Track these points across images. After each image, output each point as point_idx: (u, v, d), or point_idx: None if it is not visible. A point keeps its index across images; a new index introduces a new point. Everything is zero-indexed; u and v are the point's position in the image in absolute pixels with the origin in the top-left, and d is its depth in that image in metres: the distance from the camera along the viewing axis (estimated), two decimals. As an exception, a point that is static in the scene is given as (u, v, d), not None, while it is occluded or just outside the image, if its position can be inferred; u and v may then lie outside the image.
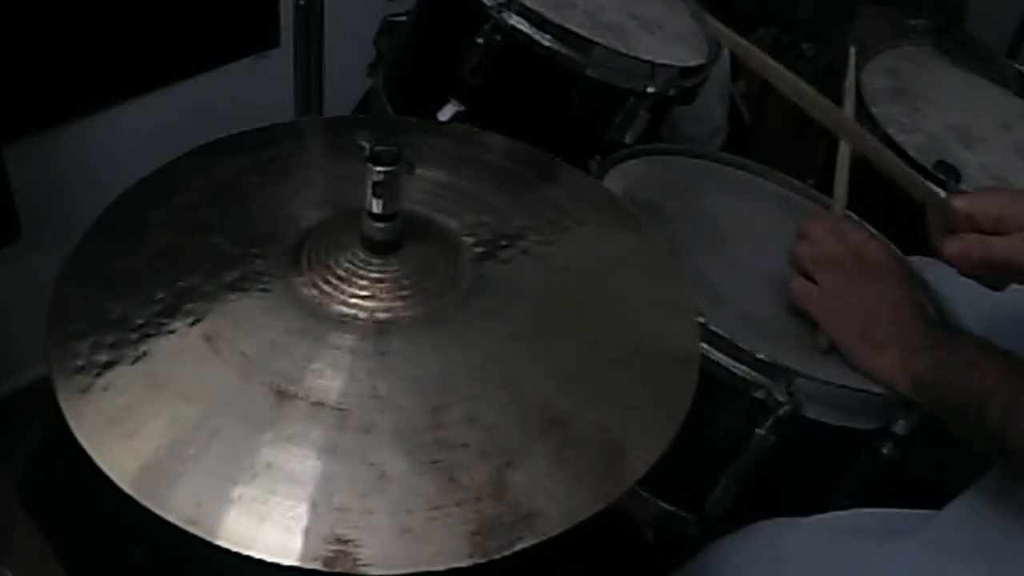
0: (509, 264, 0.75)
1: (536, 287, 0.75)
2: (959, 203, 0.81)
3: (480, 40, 1.08)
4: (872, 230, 1.08)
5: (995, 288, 0.82)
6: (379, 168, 0.68)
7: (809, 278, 0.91)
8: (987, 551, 0.81)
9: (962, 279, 0.85)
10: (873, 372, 0.88)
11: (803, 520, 0.89)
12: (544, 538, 0.58)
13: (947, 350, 0.84)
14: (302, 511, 0.58)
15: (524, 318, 0.72)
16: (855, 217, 1.08)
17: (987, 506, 0.83)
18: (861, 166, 1.19)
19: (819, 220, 0.95)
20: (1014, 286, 0.89)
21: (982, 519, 0.83)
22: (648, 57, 1.11)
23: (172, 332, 0.67)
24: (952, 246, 0.80)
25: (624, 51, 1.10)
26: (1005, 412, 0.76)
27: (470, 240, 0.77)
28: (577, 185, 0.86)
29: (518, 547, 0.58)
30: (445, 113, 1.13)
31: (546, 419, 0.65)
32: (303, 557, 0.57)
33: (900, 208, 1.15)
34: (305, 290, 0.70)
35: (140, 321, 0.68)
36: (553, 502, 0.60)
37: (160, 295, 0.69)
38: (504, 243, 0.77)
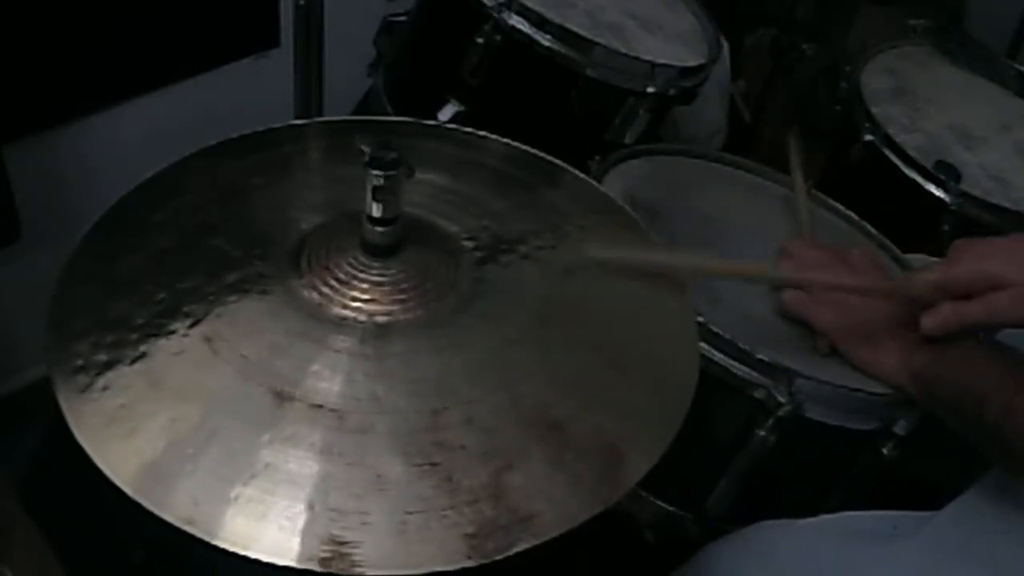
0: (509, 268, 0.75)
1: (536, 291, 0.75)
2: (927, 278, 0.82)
3: (480, 40, 1.08)
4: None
5: None
6: (379, 173, 0.68)
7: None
8: (987, 553, 0.81)
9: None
10: (873, 370, 0.88)
11: (799, 522, 0.89)
12: (541, 541, 0.58)
13: (946, 346, 0.84)
14: (300, 512, 0.58)
15: (523, 322, 0.72)
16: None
17: (987, 507, 0.83)
18: (866, 167, 1.20)
19: (795, 240, 0.98)
20: None
21: (982, 520, 0.82)
22: (648, 57, 1.11)
23: (172, 333, 0.67)
24: (927, 322, 0.82)
25: (624, 51, 1.10)
26: (1004, 409, 0.76)
27: (470, 244, 0.77)
28: (577, 189, 0.86)
29: (515, 550, 0.58)
30: (445, 113, 1.14)
31: (545, 422, 0.65)
32: (300, 558, 0.57)
33: (901, 208, 1.16)
34: (305, 292, 0.70)
35: (140, 321, 0.68)
36: (551, 505, 0.60)
37: (160, 296, 0.69)
38: (504, 247, 0.77)
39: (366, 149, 0.68)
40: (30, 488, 1.23)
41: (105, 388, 0.64)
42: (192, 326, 0.67)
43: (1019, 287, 0.77)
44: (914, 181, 1.16)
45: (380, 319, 0.69)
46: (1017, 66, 1.39)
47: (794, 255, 0.94)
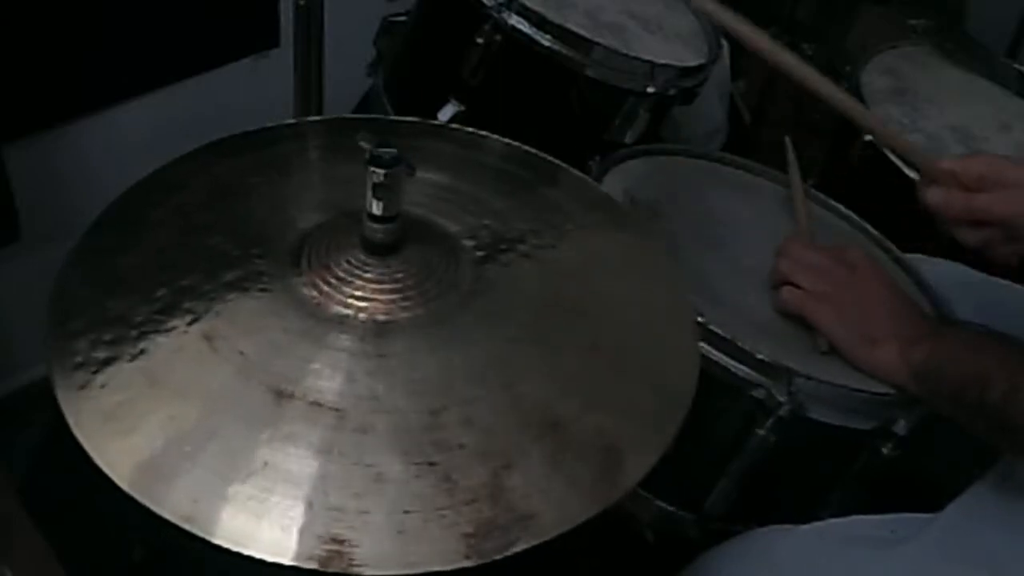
0: (509, 267, 0.75)
1: (536, 290, 0.75)
2: (944, 164, 0.87)
3: (480, 40, 1.08)
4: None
5: (984, 260, 0.87)
6: (379, 170, 0.68)
7: (796, 287, 0.92)
8: (987, 553, 0.81)
9: (959, 278, 0.86)
10: (872, 366, 0.88)
11: (800, 528, 0.89)
12: (540, 541, 0.58)
13: (945, 337, 0.84)
14: (298, 510, 0.58)
15: (523, 321, 0.72)
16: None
17: (986, 507, 0.83)
18: (866, 167, 1.20)
19: (792, 239, 0.98)
20: (1006, 283, 0.90)
21: (982, 521, 0.83)
22: (648, 57, 1.11)
23: (171, 330, 0.67)
24: (934, 194, 0.86)
25: (624, 51, 1.10)
26: (1007, 390, 0.77)
27: (470, 243, 0.77)
28: (577, 188, 0.86)
29: (514, 550, 0.58)
30: (445, 113, 1.14)
31: (544, 422, 0.65)
32: (298, 556, 0.57)
33: (901, 208, 1.15)
34: (305, 291, 0.70)
35: (139, 319, 0.68)
36: (550, 505, 0.60)
37: (160, 293, 0.69)
38: (504, 246, 0.77)
39: (366, 146, 0.68)
40: (30, 488, 1.22)
41: (104, 385, 0.64)
42: (191, 323, 0.67)
43: None
44: (914, 181, 1.16)
45: (380, 318, 0.69)
46: (1017, 66, 1.39)
47: (791, 255, 0.94)
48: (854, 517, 0.90)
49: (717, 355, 0.86)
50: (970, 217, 0.85)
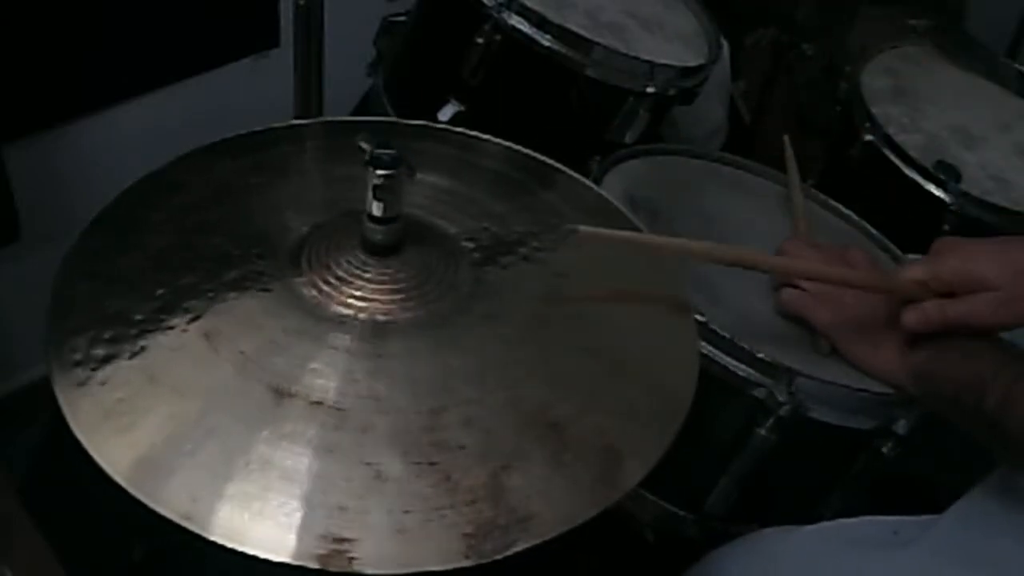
0: (508, 269, 0.75)
1: (535, 292, 0.75)
2: (913, 276, 0.84)
3: (480, 40, 1.08)
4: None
5: None
6: (380, 172, 0.68)
7: (796, 288, 0.92)
8: (992, 556, 0.81)
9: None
10: (871, 368, 0.88)
11: (803, 529, 0.89)
12: (539, 541, 0.58)
13: (944, 341, 0.84)
14: (297, 509, 0.58)
15: (523, 322, 0.72)
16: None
17: (990, 510, 0.83)
18: (866, 167, 1.20)
19: (792, 239, 0.98)
20: None
21: (986, 523, 0.82)
22: (648, 57, 1.11)
23: (171, 329, 0.67)
24: (910, 316, 0.83)
25: (624, 51, 1.10)
26: (1003, 399, 0.76)
27: (470, 245, 0.77)
28: (575, 191, 0.86)
29: (513, 550, 0.58)
30: (445, 113, 1.14)
31: (544, 423, 0.65)
32: (297, 554, 0.57)
33: (901, 208, 1.16)
34: (305, 290, 0.70)
35: (139, 317, 0.68)
36: (549, 506, 0.60)
37: (160, 292, 0.70)
38: (504, 249, 0.77)
39: (366, 147, 0.68)
40: (30, 488, 1.23)
41: (103, 382, 0.64)
42: (191, 322, 0.67)
43: (1000, 292, 0.78)
44: (914, 181, 1.16)
45: (380, 318, 0.69)
46: (1017, 66, 1.39)
47: (791, 254, 0.94)
48: (857, 519, 0.89)
49: (717, 355, 0.86)
50: (948, 328, 0.82)
